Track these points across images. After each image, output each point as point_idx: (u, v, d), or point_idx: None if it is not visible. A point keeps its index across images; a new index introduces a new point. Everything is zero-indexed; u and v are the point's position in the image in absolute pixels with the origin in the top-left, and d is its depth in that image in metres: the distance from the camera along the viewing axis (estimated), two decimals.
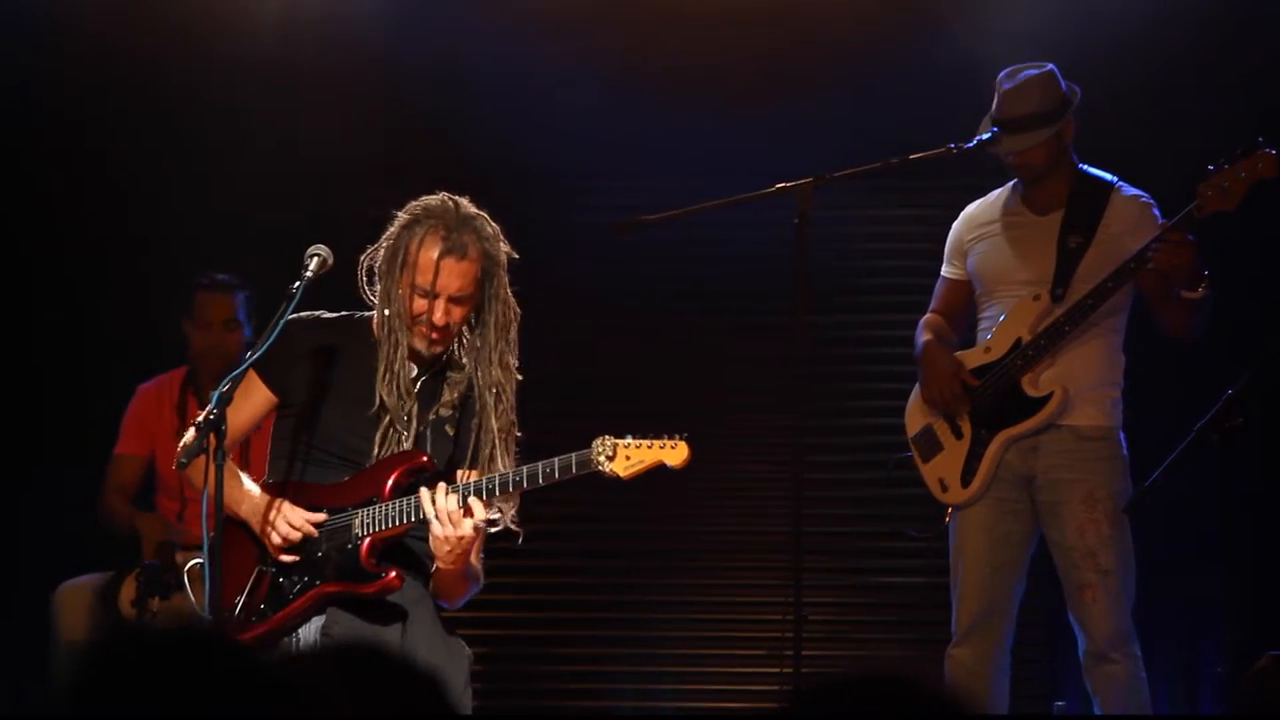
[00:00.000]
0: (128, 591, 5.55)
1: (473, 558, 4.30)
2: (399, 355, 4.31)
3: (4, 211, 6.59)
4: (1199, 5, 6.26)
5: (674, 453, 4.16)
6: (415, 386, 4.35)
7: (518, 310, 4.37)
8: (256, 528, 4.33)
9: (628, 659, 6.53)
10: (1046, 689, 6.23)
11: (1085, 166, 5.31)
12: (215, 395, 4.09)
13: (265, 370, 4.34)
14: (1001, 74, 5.24)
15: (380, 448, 4.31)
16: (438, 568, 4.29)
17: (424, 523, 4.21)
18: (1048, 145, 5.19)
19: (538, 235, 5.00)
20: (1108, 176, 5.31)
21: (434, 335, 4.30)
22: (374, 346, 4.34)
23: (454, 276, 4.26)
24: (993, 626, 5.22)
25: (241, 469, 4.52)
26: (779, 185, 4.93)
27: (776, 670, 5.00)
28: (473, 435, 4.35)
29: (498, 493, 4.20)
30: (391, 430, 4.32)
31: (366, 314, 4.39)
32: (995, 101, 5.22)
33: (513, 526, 4.28)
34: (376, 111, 6.61)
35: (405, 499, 4.25)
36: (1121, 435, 5.21)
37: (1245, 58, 6.22)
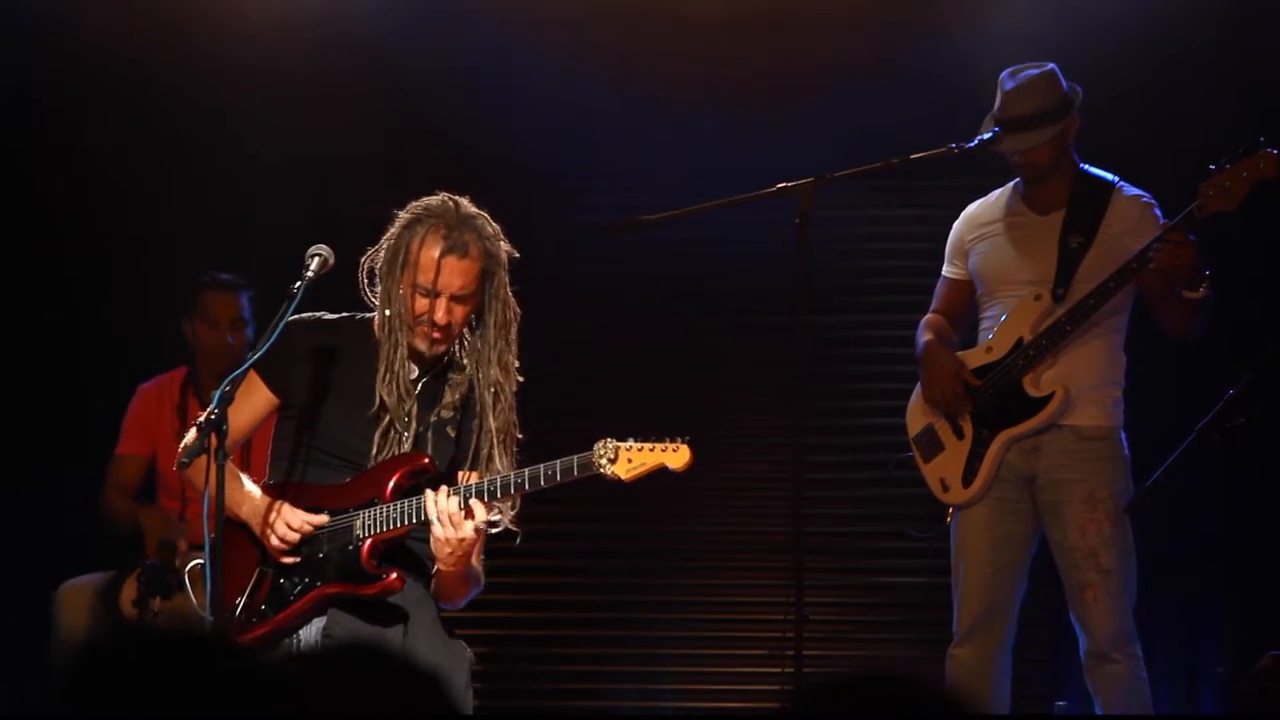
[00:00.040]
0: (129, 591, 5.54)
1: (473, 559, 4.30)
2: (399, 356, 4.31)
3: (4, 211, 6.58)
4: (1199, 5, 6.25)
5: (675, 456, 4.15)
6: (416, 387, 4.35)
7: (518, 310, 4.36)
8: (257, 529, 4.32)
9: (628, 659, 6.53)
10: (1048, 689, 6.22)
11: (1086, 166, 5.31)
12: (216, 395, 4.09)
13: (266, 371, 4.33)
14: (1003, 74, 5.24)
15: (380, 448, 4.31)
16: (439, 569, 4.28)
17: (425, 524, 4.21)
18: (1052, 144, 5.19)
19: (538, 235, 5.00)
20: (1109, 176, 5.31)
21: (436, 335, 4.29)
22: (375, 347, 4.33)
23: (456, 275, 4.26)
24: (994, 626, 5.22)
25: (242, 470, 4.52)
26: (780, 185, 4.93)
27: (777, 670, 4.98)
28: (473, 436, 4.35)
29: (499, 495, 4.19)
30: (391, 431, 4.32)
31: (367, 315, 4.38)
32: (998, 101, 5.22)
33: (512, 527, 4.28)
34: (376, 111, 6.60)
35: (406, 500, 4.24)
36: (1123, 435, 5.21)
37: (1245, 58, 6.22)
